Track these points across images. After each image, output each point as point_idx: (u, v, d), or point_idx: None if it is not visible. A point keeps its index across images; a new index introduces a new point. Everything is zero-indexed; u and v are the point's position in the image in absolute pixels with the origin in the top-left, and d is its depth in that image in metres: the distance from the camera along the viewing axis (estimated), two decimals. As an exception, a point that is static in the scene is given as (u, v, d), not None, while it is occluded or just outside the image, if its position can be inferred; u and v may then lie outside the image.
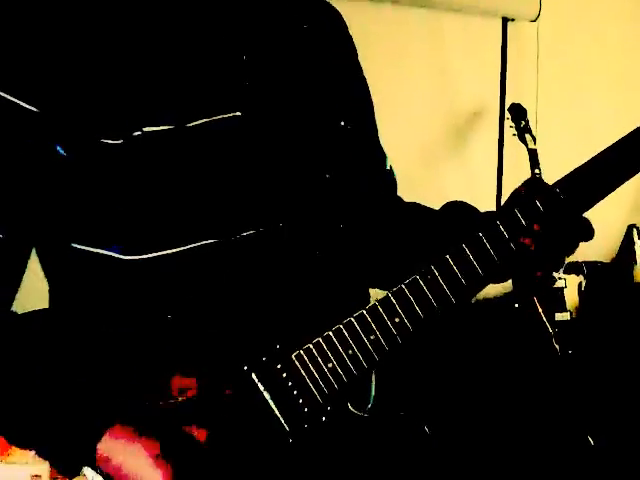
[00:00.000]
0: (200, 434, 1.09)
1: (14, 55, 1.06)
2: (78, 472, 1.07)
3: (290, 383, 1.12)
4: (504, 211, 1.19)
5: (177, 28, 1.13)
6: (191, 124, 1.10)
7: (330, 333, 1.13)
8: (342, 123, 1.26)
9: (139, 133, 1.07)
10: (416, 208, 1.42)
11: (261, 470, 1.11)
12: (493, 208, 3.38)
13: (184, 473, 1.05)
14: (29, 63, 1.05)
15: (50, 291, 1.21)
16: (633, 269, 3.44)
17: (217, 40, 1.15)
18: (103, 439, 1.05)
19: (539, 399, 2.70)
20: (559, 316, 2.70)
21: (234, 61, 1.15)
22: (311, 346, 1.13)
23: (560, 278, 2.87)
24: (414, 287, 1.15)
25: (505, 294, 2.82)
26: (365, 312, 1.14)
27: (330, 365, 1.13)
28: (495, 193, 3.31)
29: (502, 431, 2.61)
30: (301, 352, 1.12)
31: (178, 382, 1.10)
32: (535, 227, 1.17)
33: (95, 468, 1.07)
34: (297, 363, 1.13)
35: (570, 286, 2.98)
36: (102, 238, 1.11)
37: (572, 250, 1.20)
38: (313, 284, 1.18)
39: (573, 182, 1.18)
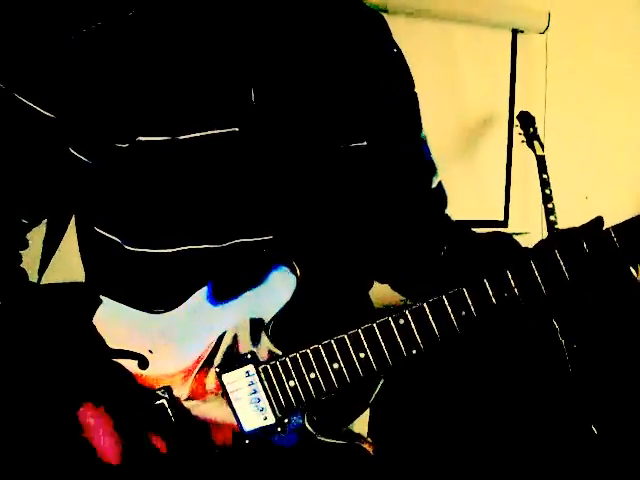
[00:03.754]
0: (160, 444, 1.17)
1: (37, 68, 1.18)
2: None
3: (254, 390, 1.19)
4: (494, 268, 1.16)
5: (186, 55, 1.19)
6: (183, 137, 1.17)
7: (297, 355, 1.18)
8: (352, 144, 1.27)
9: (136, 142, 1.17)
10: (457, 229, 1.40)
11: (216, 471, 1.19)
12: (501, 214, 3.33)
13: (139, 472, 1.14)
14: (50, 77, 1.17)
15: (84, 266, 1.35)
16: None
17: (227, 63, 1.20)
18: (82, 409, 1.14)
19: (543, 393, 2.70)
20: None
21: (241, 85, 1.20)
22: (277, 363, 1.19)
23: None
24: (384, 327, 1.16)
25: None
26: (332, 341, 1.17)
27: (292, 384, 1.18)
28: (503, 199, 3.32)
29: (506, 425, 2.59)
30: (267, 366, 1.19)
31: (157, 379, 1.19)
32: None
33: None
34: (262, 375, 1.19)
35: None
36: (111, 226, 1.23)
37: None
38: (299, 295, 1.19)
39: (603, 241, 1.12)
